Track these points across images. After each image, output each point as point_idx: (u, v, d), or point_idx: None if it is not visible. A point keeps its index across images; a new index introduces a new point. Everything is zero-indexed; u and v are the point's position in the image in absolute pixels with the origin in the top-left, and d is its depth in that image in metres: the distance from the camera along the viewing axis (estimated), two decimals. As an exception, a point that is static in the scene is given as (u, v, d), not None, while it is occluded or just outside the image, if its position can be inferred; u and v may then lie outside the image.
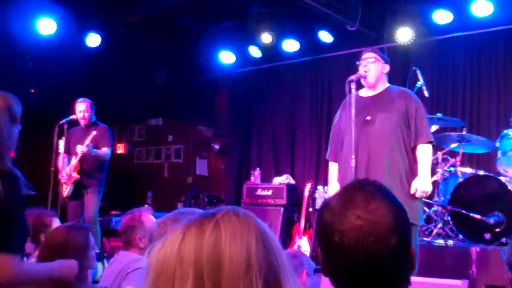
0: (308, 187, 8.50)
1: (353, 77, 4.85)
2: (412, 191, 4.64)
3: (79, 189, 7.32)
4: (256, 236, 1.19)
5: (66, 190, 7.34)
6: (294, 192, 9.16)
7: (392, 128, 4.76)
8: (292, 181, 9.44)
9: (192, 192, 10.93)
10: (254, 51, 9.79)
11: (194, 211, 2.20)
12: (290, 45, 9.41)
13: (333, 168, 5.16)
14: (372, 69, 4.92)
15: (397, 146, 4.74)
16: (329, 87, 9.79)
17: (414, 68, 6.86)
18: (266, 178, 9.83)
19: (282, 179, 9.35)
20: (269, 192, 9.06)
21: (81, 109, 7.47)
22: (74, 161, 7.32)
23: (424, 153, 4.76)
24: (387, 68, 5.01)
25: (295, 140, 10.18)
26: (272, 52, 9.57)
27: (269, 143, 10.52)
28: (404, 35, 8.12)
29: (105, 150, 7.42)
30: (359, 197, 1.55)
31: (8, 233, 2.42)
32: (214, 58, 10.20)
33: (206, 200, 10.35)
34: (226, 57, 10.15)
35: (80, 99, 7.52)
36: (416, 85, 6.66)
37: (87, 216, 7.21)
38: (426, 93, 6.58)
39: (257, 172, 9.79)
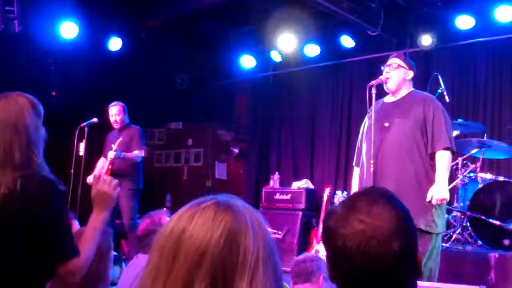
0: (327, 191, 8.37)
1: (373, 82, 4.85)
2: (428, 199, 4.57)
3: None
4: (222, 232, 1.23)
5: None
6: (312, 197, 9.14)
7: (406, 134, 4.72)
8: (311, 186, 9.43)
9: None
10: (275, 56, 9.83)
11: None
12: (311, 50, 9.43)
13: (356, 174, 5.15)
14: (393, 75, 4.89)
15: (411, 153, 4.69)
16: (350, 92, 9.78)
17: (436, 73, 6.89)
18: (285, 182, 9.82)
19: (301, 184, 9.33)
20: (288, 197, 9.04)
21: (113, 112, 7.62)
22: (106, 164, 7.45)
23: (441, 159, 4.66)
24: (410, 74, 4.95)
25: (314, 144, 10.19)
26: (293, 57, 9.59)
27: (288, 148, 10.54)
28: (426, 40, 8.14)
29: (136, 153, 7.50)
30: (362, 202, 1.54)
31: (65, 239, 2.47)
32: (234, 62, 10.30)
33: None
34: (247, 61, 10.22)
35: (112, 103, 7.66)
36: (438, 90, 6.67)
37: (125, 222, 7.30)
38: (447, 99, 6.61)
39: (276, 176, 9.79)
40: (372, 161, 4.70)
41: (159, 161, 12.26)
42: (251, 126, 11.22)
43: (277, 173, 9.94)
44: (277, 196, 9.13)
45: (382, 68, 4.99)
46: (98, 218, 2.69)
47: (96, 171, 7.51)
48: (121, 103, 7.68)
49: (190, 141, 11.81)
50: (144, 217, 3.89)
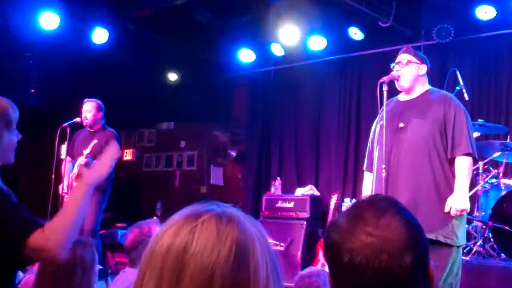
0: (334, 199, 8.38)
1: (385, 78, 4.83)
2: (446, 209, 4.56)
3: None
4: (230, 248, 1.23)
5: None
6: (318, 205, 9.10)
7: (423, 137, 4.70)
8: (317, 193, 9.40)
9: None
10: (277, 49, 9.79)
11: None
12: (317, 43, 9.39)
13: (367, 179, 5.16)
14: (405, 73, 4.87)
15: (429, 158, 4.68)
16: (359, 89, 9.78)
17: (454, 69, 6.88)
18: (288, 188, 9.82)
19: (306, 190, 9.30)
20: (291, 204, 8.99)
21: (86, 108, 7.54)
22: (76, 168, 7.32)
23: (461, 166, 4.64)
24: (424, 68, 4.93)
25: (320, 147, 10.18)
26: (296, 50, 9.56)
27: (291, 150, 10.52)
28: (442, 32, 8.10)
29: None
30: (369, 213, 1.54)
31: (19, 218, 2.47)
32: (232, 56, 10.22)
33: None
34: (246, 55, 10.16)
35: (88, 99, 7.60)
36: (456, 88, 6.67)
37: (87, 228, 7.15)
38: (466, 97, 6.59)
39: (277, 182, 9.76)
40: (384, 166, 4.69)
41: (148, 165, 12.27)
42: (250, 126, 11.20)
43: (278, 178, 9.93)
44: (279, 204, 9.10)
45: (392, 65, 4.98)
46: (80, 188, 2.65)
47: (65, 180, 7.44)
48: (97, 100, 7.61)
49: (182, 143, 11.81)
50: (132, 227, 3.88)
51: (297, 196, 9.16)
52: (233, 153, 11.32)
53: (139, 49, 9.92)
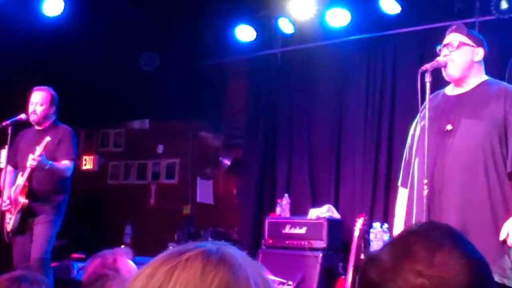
0: (359, 223, 8.27)
1: (428, 65, 4.86)
2: (502, 237, 4.58)
3: (27, 219, 7.35)
4: None
5: (10, 222, 7.36)
6: (338, 231, 9.07)
7: (478, 143, 4.73)
8: (337, 215, 9.35)
9: (190, 227, 10.97)
10: (285, 26, 9.80)
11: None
12: (337, 18, 9.38)
13: (402, 197, 5.22)
14: (456, 58, 4.91)
15: (484, 170, 4.69)
16: (393, 79, 9.70)
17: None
18: (298, 209, 9.79)
19: (322, 212, 9.21)
20: (303, 230, 8.98)
21: (36, 100, 7.57)
22: (21, 179, 7.34)
23: None
24: (480, 53, 4.96)
25: (341, 154, 10.08)
26: (311, 27, 9.60)
27: (303, 159, 10.43)
28: (504, 4, 8.13)
29: (65, 164, 7.45)
30: (420, 246, 1.55)
31: None
32: (227, 34, 10.30)
33: (210, 239, 9.62)
34: (244, 33, 10.20)
35: (38, 87, 7.61)
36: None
37: (34, 256, 7.19)
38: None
39: (285, 200, 9.73)
40: (426, 180, 4.69)
41: (115, 176, 12.27)
42: (249, 126, 11.14)
43: (286, 195, 9.89)
44: (287, 230, 9.09)
45: (438, 49, 5.01)
46: None
47: (5, 194, 7.50)
48: (50, 90, 7.66)
49: (160, 148, 11.92)
50: (94, 257, 3.86)
51: (311, 220, 9.10)
52: (227, 162, 11.31)
53: (105, 26, 9.85)
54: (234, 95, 11.46)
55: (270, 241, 9.19)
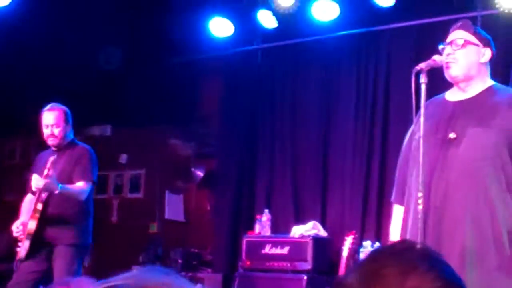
0: (348, 242, 8.22)
1: (422, 65, 4.81)
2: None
3: (39, 245, 7.21)
4: None
5: (21, 249, 7.22)
6: (325, 251, 9.11)
7: (485, 155, 4.68)
8: (323, 232, 9.34)
9: (158, 248, 10.96)
10: (265, 19, 9.82)
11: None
12: (326, 10, 9.43)
13: (397, 216, 5.19)
14: (460, 58, 4.87)
15: (494, 184, 4.65)
16: (387, 79, 9.64)
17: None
18: (281, 226, 9.82)
19: (307, 229, 9.15)
20: (285, 250, 8.94)
21: (49, 121, 7.50)
22: (33, 203, 7.31)
23: None
24: (487, 54, 4.93)
25: (329, 164, 10.01)
26: (295, 21, 9.68)
27: (286, 170, 10.32)
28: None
29: (80, 186, 7.44)
30: (391, 269, 1.60)
31: None
32: (199, 29, 10.26)
33: (179, 261, 10.20)
34: (220, 27, 10.16)
35: (48, 107, 7.58)
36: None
37: None
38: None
39: (265, 216, 9.69)
40: (420, 194, 4.61)
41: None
42: (225, 132, 11.07)
43: (267, 211, 9.84)
44: (267, 250, 9.07)
45: (441, 47, 4.98)
46: None
47: (20, 220, 7.36)
48: (60, 107, 7.65)
49: (123, 157, 11.99)
50: (52, 285, 3.78)
51: (294, 238, 9.11)
52: (200, 173, 11.40)
53: (60, 18, 9.75)
54: (208, 98, 11.50)
55: (248, 262, 9.17)
